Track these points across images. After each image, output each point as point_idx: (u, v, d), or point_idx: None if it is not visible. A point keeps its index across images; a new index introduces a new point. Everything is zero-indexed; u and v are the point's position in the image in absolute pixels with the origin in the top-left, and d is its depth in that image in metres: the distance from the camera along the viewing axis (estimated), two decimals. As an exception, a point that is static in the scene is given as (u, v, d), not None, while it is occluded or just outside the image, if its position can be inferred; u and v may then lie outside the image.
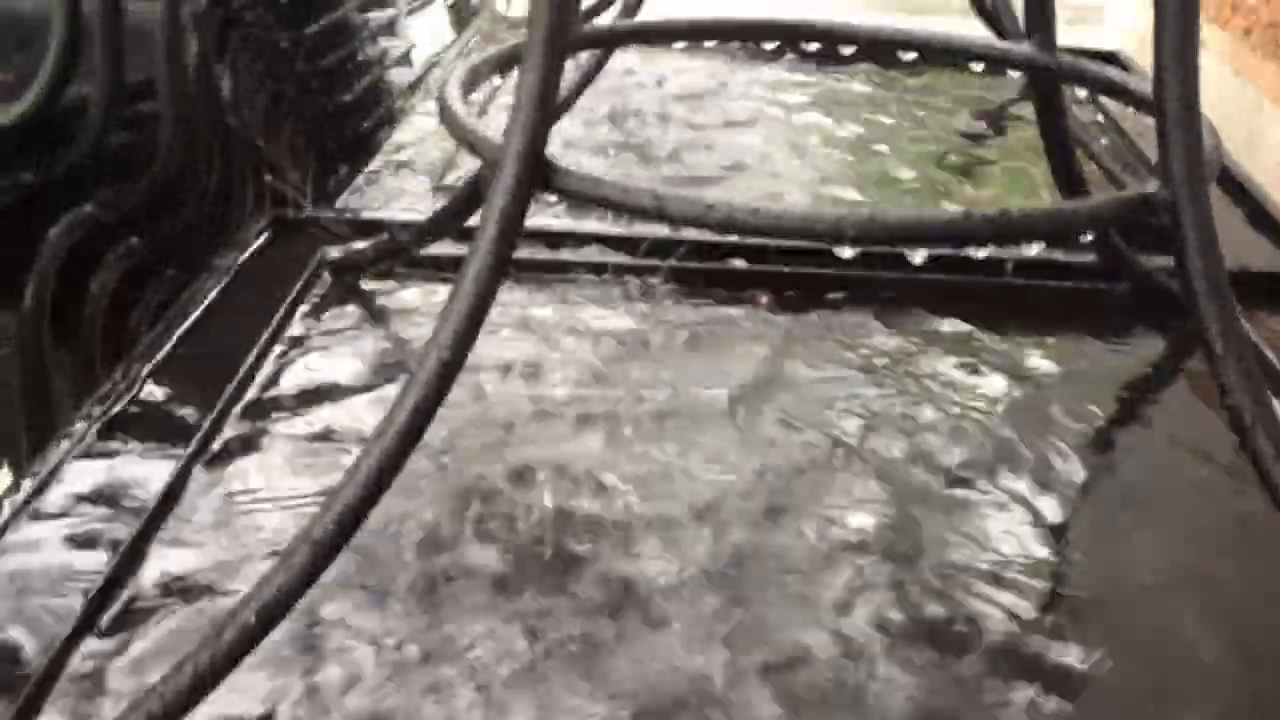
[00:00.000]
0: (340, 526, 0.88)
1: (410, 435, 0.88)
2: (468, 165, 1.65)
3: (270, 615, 0.86)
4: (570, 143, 1.92)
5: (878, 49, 2.16)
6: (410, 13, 3.06)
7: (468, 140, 1.04)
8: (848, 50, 2.20)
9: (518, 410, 1.20)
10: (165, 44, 1.49)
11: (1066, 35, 1.36)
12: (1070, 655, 0.93)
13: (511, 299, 1.40)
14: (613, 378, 1.27)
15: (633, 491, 1.08)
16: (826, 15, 1.46)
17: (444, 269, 1.45)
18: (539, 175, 0.91)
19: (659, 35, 1.57)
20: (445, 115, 1.08)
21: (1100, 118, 2.11)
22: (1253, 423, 0.93)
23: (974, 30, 1.99)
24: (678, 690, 0.88)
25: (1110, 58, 2.40)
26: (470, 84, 1.15)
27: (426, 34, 3.13)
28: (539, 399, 1.23)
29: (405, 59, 2.40)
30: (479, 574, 0.99)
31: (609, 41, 1.61)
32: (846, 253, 0.91)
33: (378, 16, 2.11)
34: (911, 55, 1.85)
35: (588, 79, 1.77)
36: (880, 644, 0.92)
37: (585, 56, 1.75)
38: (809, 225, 0.86)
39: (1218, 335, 0.94)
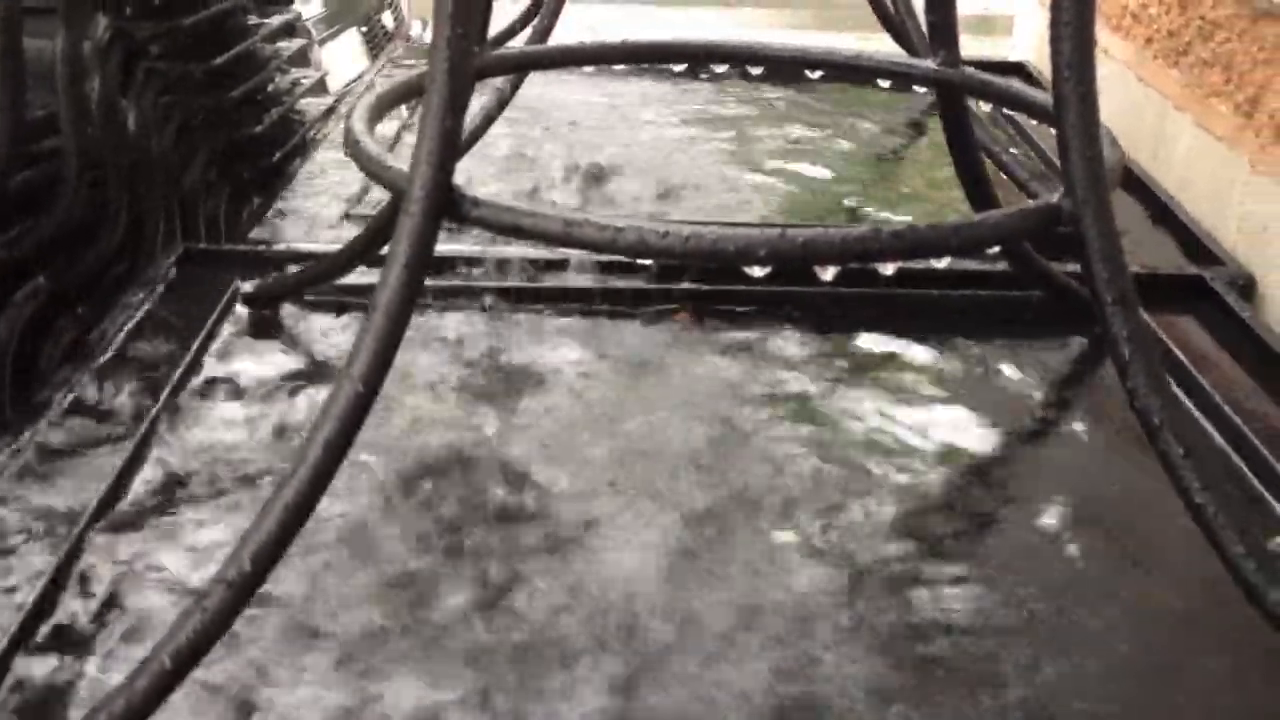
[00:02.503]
0: (255, 566, 0.86)
1: (323, 472, 0.87)
2: (381, 193, 1.64)
3: (184, 659, 0.84)
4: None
5: (787, 68, 2.17)
6: (322, 42, 3.04)
7: (374, 172, 1.03)
8: (756, 70, 2.22)
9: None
10: (67, 77, 1.46)
11: (976, 47, 1.37)
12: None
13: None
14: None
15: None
16: (737, 36, 1.47)
17: (358, 297, 1.44)
18: (447, 205, 0.90)
19: (569, 59, 1.57)
20: (351, 147, 1.07)
21: (1010, 129, 2.15)
22: (1160, 424, 0.94)
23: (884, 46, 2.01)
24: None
25: (1016, 69, 2.44)
26: (376, 114, 1.14)
27: (340, 62, 3.11)
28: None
29: (318, 87, 2.38)
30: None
31: (518, 67, 1.60)
32: (758, 272, 0.92)
33: (288, 46, 2.09)
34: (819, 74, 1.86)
35: (501, 105, 1.77)
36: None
37: (499, 80, 1.74)
38: (720, 247, 0.86)
39: (1125, 340, 0.95)
